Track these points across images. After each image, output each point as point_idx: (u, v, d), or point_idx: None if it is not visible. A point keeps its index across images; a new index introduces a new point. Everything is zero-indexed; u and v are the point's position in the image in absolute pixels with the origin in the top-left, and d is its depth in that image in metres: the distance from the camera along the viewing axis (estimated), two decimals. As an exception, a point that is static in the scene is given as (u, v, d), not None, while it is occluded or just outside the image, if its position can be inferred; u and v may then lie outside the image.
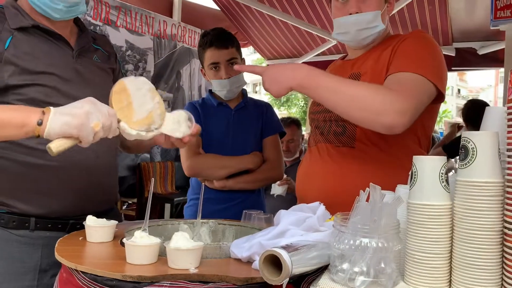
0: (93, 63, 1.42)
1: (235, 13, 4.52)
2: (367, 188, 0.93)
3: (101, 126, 0.99)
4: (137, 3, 3.79)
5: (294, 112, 23.76)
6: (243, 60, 2.07)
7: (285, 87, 1.27)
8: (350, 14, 1.43)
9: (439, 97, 1.37)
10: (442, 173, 0.85)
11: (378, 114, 1.21)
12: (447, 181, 0.85)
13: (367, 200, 0.91)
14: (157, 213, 3.98)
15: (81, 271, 0.96)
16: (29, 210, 1.26)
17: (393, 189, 1.02)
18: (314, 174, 1.51)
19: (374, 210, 0.87)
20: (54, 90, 1.26)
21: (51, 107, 1.01)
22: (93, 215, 1.19)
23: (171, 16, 4.20)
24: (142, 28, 3.82)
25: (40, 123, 0.99)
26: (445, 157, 0.86)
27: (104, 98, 1.14)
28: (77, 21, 1.44)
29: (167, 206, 3.94)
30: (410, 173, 0.97)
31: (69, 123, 0.98)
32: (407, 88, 1.28)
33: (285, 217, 0.97)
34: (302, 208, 0.98)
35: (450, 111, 31.44)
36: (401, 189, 0.98)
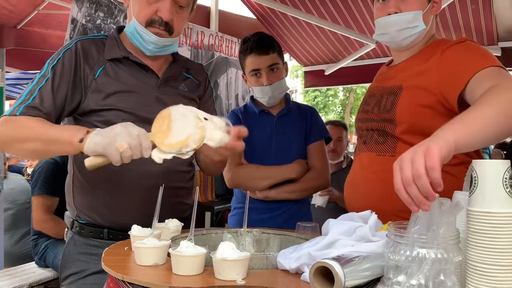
0: (177, 92, 1.51)
1: (271, 20, 4.51)
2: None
3: (126, 146, 1.10)
4: (175, 14, 3.86)
5: (331, 117, 23.50)
6: (285, 64, 2.03)
7: (440, 139, 0.90)
8: (389, 14, 1.42)
9: None
10: (506, 178, 0.79)
11: None
12: (511, 186, 0.79)
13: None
14: (197, 221, 4.00)
15: (128, 282, 0.95)
16: (102, 223, 1.41)
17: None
18: (357, 183, 1.48)
19: (432, 219, 0.82)
20: (131, 115, 1.37)
21: (97, 128, 1.16)
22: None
23: (208, 26, 4.24)
24: (180, 39, 3.87)
25: (81, 141, 1.15)
26: (509, 161, 0.80)
27: None
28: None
29: (208, 214, 3.94)
30: (468, 178, 0.91)
31: (98, 142, 1.13)
32: (506, 79, 1.17)
33: (334, 227, 0.93)
34: (353, 217, 0.94)
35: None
36: (459, 195, 0.92)
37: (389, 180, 1.38)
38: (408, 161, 0.85)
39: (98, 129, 1.17)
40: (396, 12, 1.41)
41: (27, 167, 5.22)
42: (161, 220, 1.22)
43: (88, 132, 1.16)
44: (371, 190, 1.41)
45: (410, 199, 0.84)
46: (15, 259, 3.25)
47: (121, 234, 1.36)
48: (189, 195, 1.53)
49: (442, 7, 3.65)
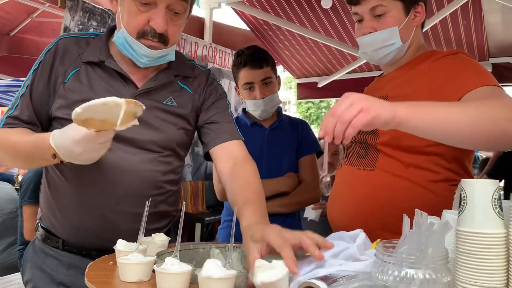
0: (159, 106, 1.32)
1: (265, 33, 4.53)
2: (404, 215, 0.87)
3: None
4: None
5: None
6: (278, 78, 2.04)
7: (388, 109, 0.97)
8: (364, 34, 1.40)
9: None
10: (495, 199, 0.78)
11: (506, 121, 1.01)
12: (500, 207, 0.78)
13: (410, 227, 0.85)
14: (187, 233, 3.96)
15: (111, 299, 0.93)
16: (56, 234, 1.34)
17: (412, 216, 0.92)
18: (337, 198, 1.47)
19: (420, 239, 0.81)
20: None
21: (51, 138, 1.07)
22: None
23: (202, 37, 4.25)
24: (174, 50, 3.87)
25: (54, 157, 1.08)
26: (498, 181, 0.80)
27: (160, 140, 1.28)
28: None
29: (198, 226, 3.91)
30: (457, 197, 0.90)
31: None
32: (502, 97, 1.14)
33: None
34: (342, 236, 0.93)
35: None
36: (448, 215, 0.91)
37: (367, 196, 1.37)
38: (348, 103, 0.94)
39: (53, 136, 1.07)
40: (370, 32, 1.38)
41: (18, 175, 5.16)
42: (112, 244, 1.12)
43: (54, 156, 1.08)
44: (349, 206, 1.40)
45: (325, 127, 0.95)
46: (1, 269, 3.19)
47: (76, 248, 1.31)
48: (158, 219, 1.36)
49: (434, 22, 3.69)
